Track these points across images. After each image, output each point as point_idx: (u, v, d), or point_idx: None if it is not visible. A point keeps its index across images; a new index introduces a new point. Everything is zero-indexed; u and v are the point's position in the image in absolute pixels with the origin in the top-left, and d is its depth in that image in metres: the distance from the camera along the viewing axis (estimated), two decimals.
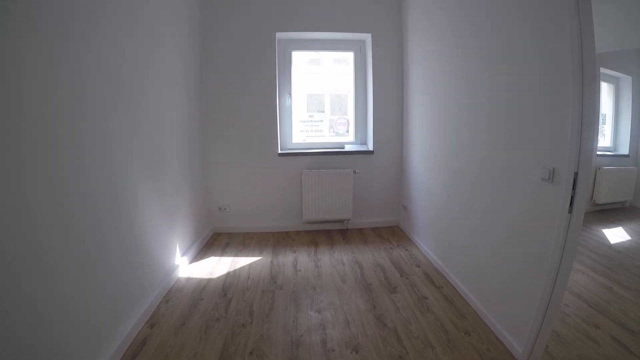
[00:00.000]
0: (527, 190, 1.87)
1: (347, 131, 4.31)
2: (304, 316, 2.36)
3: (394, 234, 4.02)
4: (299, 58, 4.13)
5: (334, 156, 4.03)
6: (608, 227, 4.19)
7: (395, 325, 2.25)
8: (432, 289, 2.71)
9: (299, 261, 3.26)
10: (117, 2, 2.05)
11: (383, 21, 3.90)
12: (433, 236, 3.24)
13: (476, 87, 2.41)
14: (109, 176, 1.96)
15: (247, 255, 3.40)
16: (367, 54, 4.07)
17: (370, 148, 4.11)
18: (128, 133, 2.18)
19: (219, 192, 3.97)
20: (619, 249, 3.50)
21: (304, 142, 4.22)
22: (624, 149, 4.89)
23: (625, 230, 4.11)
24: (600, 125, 4.89)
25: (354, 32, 3.90)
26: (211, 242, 3.75)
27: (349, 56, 4.19)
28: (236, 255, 3.42)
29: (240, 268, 3.11)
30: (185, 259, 3.11)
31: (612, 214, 4.73)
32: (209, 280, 2.87)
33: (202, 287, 2.74)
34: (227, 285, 2.78)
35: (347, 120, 4.30)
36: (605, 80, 4.82)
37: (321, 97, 4.30)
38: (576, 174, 1.55)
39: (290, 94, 4.05)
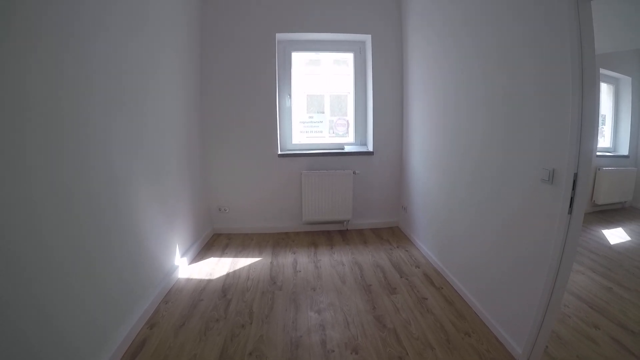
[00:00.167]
0: (527, 191, 1.87)
1: (347, 132, 4.31)
2: (304, 317, 2.36)
3: (393, 234, 4.02)
4: (298, 59, 4.13)
5: (334, 157, 4.03)
6: (608, 228, 4.19)
7: (394, 326, 2.25)
8: (431, 290, 2.71)
9: (298, 262, 3.26)
10: (119, 5, 2.07)
11: (383, 22, 3.90)
12: (433, 237, 3.24)
13: (475, 89, 2.41)
14: (111, 176, 1.98)
15: (247, 256, 3.40)
16: (367, 55, 4.08)
17: (370, 149, 4.11)
18: (130, 134, 2.20)
19: (218, 193, 3.97)
20: (619, 249, 3.50)
21: (304, 143, 4.22)
22: (624, 150, 4.89)
23: (625, 231, 4.11)
24: (600, 126, 4.88)
25: (353, 33, 3.91)
26: (211, 243, 3.75)
27: (348, 57, 4.20)
28: (236, 256, 3.41)
29: (240, 269, 3.10)
30: (185, 259, 3.11)
31: (612, 214, 4.73)
32: (209, 281, 2.87)
33: (201, 288, 2.74)
34: (227, 286, 2.78)
35: (347, 121, 4.30)
36: (605, 81, 4.82)
37: (321, 98, 4.30)
38: (576, 175, 1.55)
39: (290, 95, 4.05)
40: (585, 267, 3.03)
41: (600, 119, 4.87)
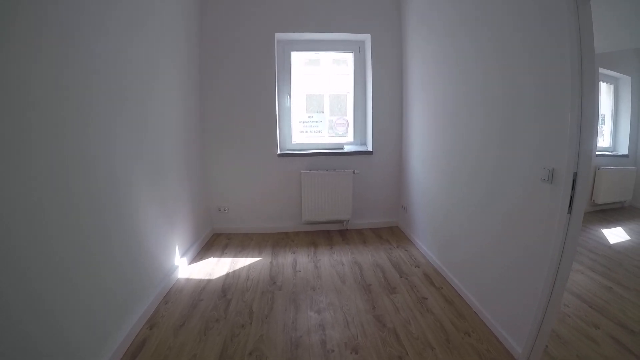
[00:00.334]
0: (527, 191, 1.87)
1: (347, 132, 4.31)
2: (304, 317, 2.36)
3: (393, 234, 4.02)
4: (298, 59, 4.13)
5: (333, 157, 4.03)
6: (607, 227, 4.19)
7: (394, 326, 2.25)
8: (431, 290, 2.71)
9: (298, 262, 3.25)
10: (121, 6, 2.09)
11: (382, 22, 3.90)
12: (432, 237, 3.24)
13: (474, 88, 2.41)
14: (113, 177, 1.99)
15: (247, 256, 3.40)
16: (366, 55, 4.07)
17: (370, 149, 4.11)
18: (131, 136, 2.22)
19: (218, 193, 3.97)
20: (619, 249, 3.50)
21: (304, 142, 4.21)
22: (623, 149, 4.89)
23: (624, 230, 4.11)
24: (600, 126, 4.89)
25: (353, 32, 3.91)
26: (211, 243, 3.75)
27: (348, 57, 4.20)
28: (235, 256, 3.41)
29: (240, 269, 3.10)
30: (185, 259, 3.11)
31: (612, 214, 4.73)
32: (209, 281, 2.87)
33: (201, 288, 2.74)
34: (227, 286, 2.77)
35: (347, 120, 4.30)
36: (604, 81, 4.82)
37: (320, 98, 4.30)
38: (575, 174, 1.55)
39: (289, 95, 4.05)
40: (585, 267, 3.03)
41: (600, 118, 4.87)
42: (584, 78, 1.50)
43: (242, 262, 3.26)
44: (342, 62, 4.27)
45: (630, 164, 4.87)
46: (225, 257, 3.39)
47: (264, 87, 3.83)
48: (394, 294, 2.65)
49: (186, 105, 3.30)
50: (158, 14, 2.62)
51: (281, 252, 3.51)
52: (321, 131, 4.29)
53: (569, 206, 1.58)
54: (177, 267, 2.90)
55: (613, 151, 5.00)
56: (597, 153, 4.77)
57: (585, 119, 1.51)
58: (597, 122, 4.52)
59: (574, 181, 1.56)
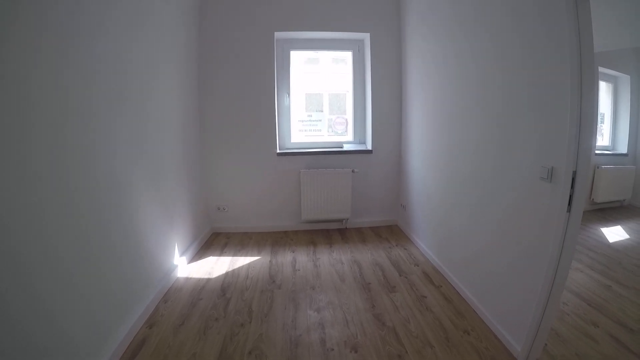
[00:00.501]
0: (526, 189, 1.87)
1: (346, 131, 4.31)
2: (303, 315, 2.36)
3: (392, 233, 4.02)
4: (297, 57, 4.13)
5: (333, 155, 4.02)
6: (606, 226, 4.20)
7: (394, 324, 2.25)
8: (430, 288, 2.71)
9: (297, 261, 3.26)
10: (120, 6, 2.09)
11: (381, 21, 3.90)
12: (431, 235, 3.24)
13: (473, 87, 2.41)
14: (113, 176, 2.00)
15: (246, 255, 3.40)
16: (365, 54, 4.07)
17: (369, 147, 4.11)
18: (131, 135, 2.22)
19: (217, 192, 3.96)
20: (618, 247, 3.51)
21: (303, 141, 4.21)
22: (623, 148, 4.90)
23: (623, 229, 4.12)
24: (599, 125, 4.89)
25: (352, 31, 3.90)
26: (210, 242, 3.75)
27: (347, 56, 4.19)
28: (235, 255, 3.41)
29: (239, 268, 3.10)
30: (184, 258, 3.10)
31: (611, 212, 4.74)
32: (208, 280, 2.87)
33: (200, 287, 2.74)
34: (226, 285, 2.77)
35: (346, 119, 4.30)
36: (603, 80, 4.82)
37: (320, 97, 4.29)
38: (575, 173, 1.55)
39: (288, 94, 4.05)
40: (584, 265, 3.04)
41: (599, 117, 4.87)
42: (583, 77, 1.50)
43: (241, 261, 3.26)
44: (341, 61, 4.27)
45: (629, 163, 4.88)
46: (224, 256, 3.39)
47: (263, 86, 3.83)
48: (394, 292, 2.65)
49: (185, 105, 3.29)
50: (158, 14, 2.63)
51: (280, 251, 3.51)
52: (320, 130, 4.28)
53: (568, 204, 1.58)
54: (177, 266, 2.90)
55: (612, 150, 5.01)
56: (596, 152, 4.78)
57: (585, 118, 1.51)
58: (597, 120, 4.52)
59: (573, 180, 1.56)
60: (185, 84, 3.30)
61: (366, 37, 3.96)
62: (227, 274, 2.99)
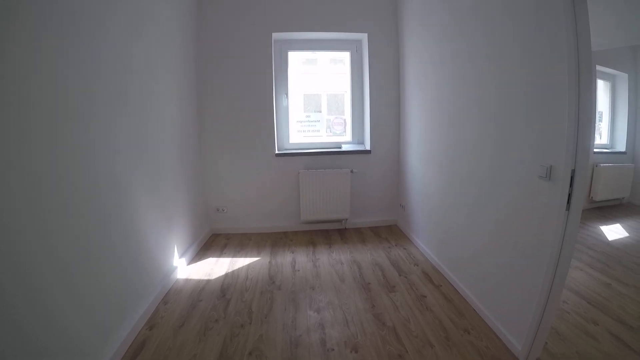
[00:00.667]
0: (524, 188, 1.88)
1: (344, 131, 4.31)
2: (303, 316, 2.36)
3: (392, 233, 4.02)
4: (295, 58, 4.13)
5: (331, 156, 4.02)
6: (606, 224, 4.20)
7: (394, 324, 2.25)
8: (430, 288, 2.71)
9: (297, 261, 3.25)
10: (120, 7, 2.10)
11: (379, 21, 3.90)
12: (431, 235, 3.24)
13: (471, 86, 2.41)
14: (114, 177, 2.01)
15: (246, 256, 3.39)
16: (363, 54, 4.07)
17: (368, 147, 4.11)
18: (131, 137, 2.23)
19: (216, 193, 3.96)
20: (617, 245, 3.51)
21: (301, 142, 4.21)
22: (621, 146, 4.91)
23: (622, 227, 4.13)
24: (597, 123, 4.90)
25: (350, 32, 3.90)
26: (209, 243, 3.74)
27: (345, 56, 4.19)
28: (234, 256, 3.41)
29: (239, 269, 3.10)
30: (184, 260, 3.10)
31: (610, 211, 4.74)
32: (208, 281, 2.87)
33: (200, 288, 2.73)
34: (226, 286, 2.77)
35: (344, 120, 4.30)
36: (601, 78, 4.83)
37: (318, 97, 4.29)
38: (573, 171, 1.56)
39: (287, 95, 4.05)
40: (584, 264, 3.04)
41: (597, 115, 4.88)
42: (581, 75, 1.51)
43: (241, 262, 3.25)
44: (339, 62, 4.27)
45: (627, 161, 4.88)
46: (224, 257, 3.38)
47: (261, 87, 3.83)
48: (393, 292, 2.65)
49: (184, 106, 3.29)
50: (157, 15, 2.63)
51: (280, 251, 3.51)
52: (319, 130, 4.28)
53: (567, 203, 1.58)
54: (176, 267, 2.90)
55: (611, 148, 5.02)
56: (595, 150, 4.78)
57: (583, 116, 1.52)
58: (595, 119, 4.53)
59: (572, 178, 1.56)
60: (184, 85, 3.29)
61: (364, 37, 3.96)
62: (226, 275, 2.98)
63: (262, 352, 2.01)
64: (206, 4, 3.65)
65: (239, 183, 3.97)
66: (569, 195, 1.57)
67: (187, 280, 2.87)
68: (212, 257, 3.38)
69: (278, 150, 4.03)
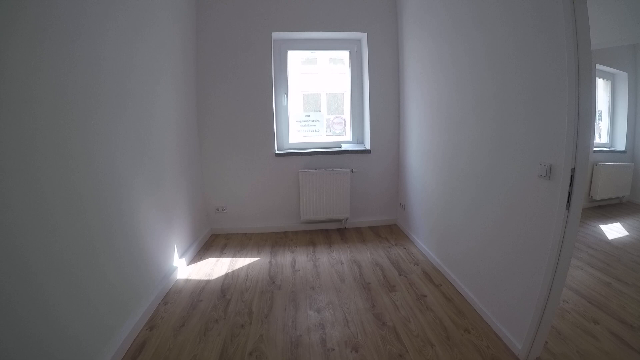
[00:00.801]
0: (524, 187, 1.87)
1: (344, 130, 4.31)
2: (303, 316, 2.36)
3: (392, 232, 4.02)
4: (294, 58, 4.13)
5: (331, 156, 4.02)
6: (606, 223, 4.21)
7: (394, 324, 2.25)
8: (430, 287, 2.71)
9: (297, 261, 3.25)
10: (121, 7, 2.11)
11: (378, 20, 3.90)
12: (431, 234, 3.24)
13: (470, 85, 2.41)
14: (115, 178, 2.01)
15: (246, 256, 3.39)
16: (363, 53, 4.07)
17: (367, 147, 4.11)
18: (131, 137, 2.23)
19: (216, 193, 3.96)
20: (617, 244, 3.52)
21: (301, 142, 4.21)
22: (621, 145, 4.91)
23: (622, 225, 4.13)
24: (597, 122, 4.90)
25: (349, 31, 3.89)
26: (209, 243, 3.74)
27: (345, 55, 4.19)
28: (234, 256, 3.41)
29: (239, 269, 3.10)
30: (184, 260, 3.10)
31: (610, 209, 4.75)
32: (208, 281, 2.87)
33: (200, 289, 2.73)
34: (226, 286, 2.77)
35: (344, 119, 4.30)
36: (601, 77, 4.84)
37: (317, 97, 4.29)
38: (573, 170, 1.56)
39: (286, 94, 4.04)
40: (584, 263, 3.04)
41: (597, 114, 4.88)
42: (580, 74, 1.51)
43: (241, 262, 3.25)
44: (338, 61, 4.27)
45: (627, 160, 4.89)
46: (224, 257, 3.38)
47: (260, 87, 3.82)
48: (393, 292, 2.65)
49: (184, 106, 3.29)
50: (157, 16, 2.63)
51: (280, 251, 3.50)
52: (318, 130, 4.28)
53: (567, 202, 1.58)
54: (176, 267, 2.89)
55: (610, 147, 5.02)
56: (595, 149, 4.79)
57: (583, 115, 1.52)
58: (595, 117, 4.53)
59: (572, 177, 1.56)
60: (184, 85, 3.29)
61: (363, 36, 3.96)
62: (226, 275, 2.98)
63: (263, 352, 2.00)
64: (206, 4, 3.65)
65: (239, 183, 3.96)
66: (569, 194, 1.57)
67: (187, 281, 2.87)
68: (212, 257, 3.38)
69: (278, 150, 4.03)
